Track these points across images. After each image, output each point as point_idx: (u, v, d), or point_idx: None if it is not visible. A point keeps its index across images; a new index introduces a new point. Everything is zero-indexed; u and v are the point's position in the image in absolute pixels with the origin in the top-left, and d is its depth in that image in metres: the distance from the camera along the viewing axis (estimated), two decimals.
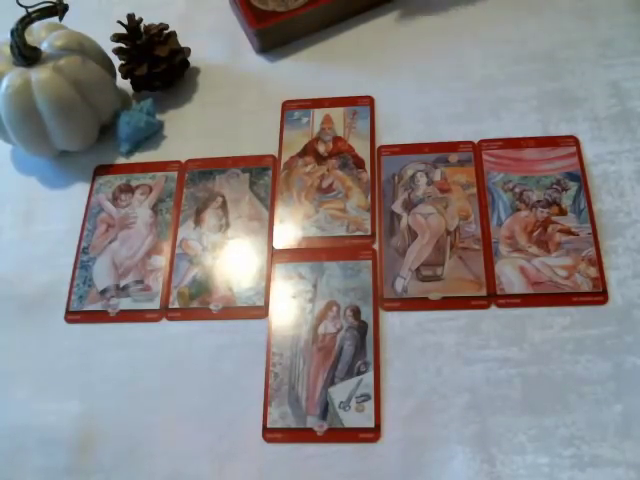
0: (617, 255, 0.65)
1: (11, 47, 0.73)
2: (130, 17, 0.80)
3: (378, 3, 0.86)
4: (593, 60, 0.77)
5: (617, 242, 0.66)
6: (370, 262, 0.69)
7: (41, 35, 0.76)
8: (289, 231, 0.72)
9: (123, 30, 0.80)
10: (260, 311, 0.68)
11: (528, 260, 0.66)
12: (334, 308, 0.67)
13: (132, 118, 0.79)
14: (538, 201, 0.69)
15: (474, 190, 0.71)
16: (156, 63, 0.80)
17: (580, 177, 0.70)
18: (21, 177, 0.83)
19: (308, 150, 0.77)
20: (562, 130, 0.73)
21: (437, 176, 0.73)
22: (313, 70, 0.84)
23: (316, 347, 0.65)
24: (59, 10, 0.72)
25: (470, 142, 0.74)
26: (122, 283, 0.72)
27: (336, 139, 0.77)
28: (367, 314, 0.66)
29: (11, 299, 0.74)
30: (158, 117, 0.82)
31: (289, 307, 0.68)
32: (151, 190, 0.78)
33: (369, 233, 0.71)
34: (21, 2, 0.71)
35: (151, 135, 0.82)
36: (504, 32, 0.81)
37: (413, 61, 0.82)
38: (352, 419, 0.61)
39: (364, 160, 0.75)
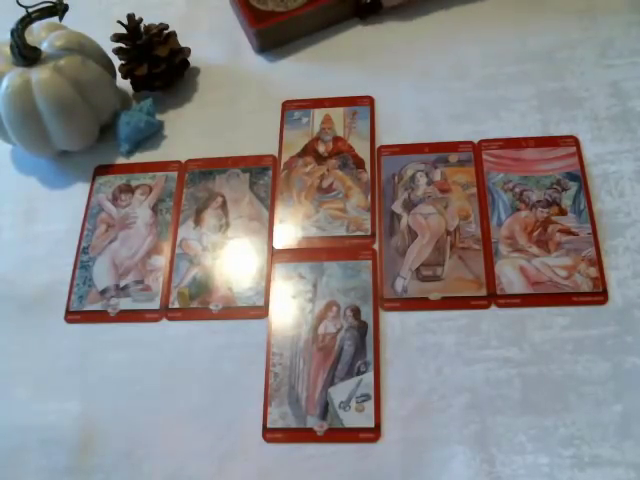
0: (617, 255, 0.65)
1: (11, 47, 0.73)
2: (130, 17, 0.80)
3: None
4: (593, 60, 0.77)
5: (617, 242, 0.66)
6: (370, 262, 0.69)
7: (41, 35, 0.76)
8: (289, 231, 0.72)
9: (123, 30, 0.80)
10: (260, 311, 0.68)
11: (528, 260, 0.66)
12: (334, 308, 0.67)
13: (132, 118, 0.79)
14: (538, 201, 0.69)
15: (474, 190, 0.71)
16: (156, 63, 0.80)
17: (580, 177, 0.70)
18: (21, 177, 0.83)
19: (308, 150, 0.77)
20: (562, 130, 0.73)
21: (437, 176, 0.73)
22: (313, 70, 0.84)
23: (316, 347, 0.65)
24: (59, 10, 0.72)
25: (470, 142, 0.74)
26: (122, 283, 0.72)
27: (336, 139, 0.77)
28: (367, 314, 0.66)
29: (11, 299, 0.74)
30: (158, 117, 0.82)
31: (289, 307, 0.68)
32: (151, 190, 0.78)
33: (369, 233, 0.71)
34: (21, 2, 0.71)
35: (151, 135, 0.82)
36: (504, 32, 0.81)
37: (413, 61, 0.82)
38: (352, 419, 0.61)
39: (364, 160, 0.75)
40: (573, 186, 0.69)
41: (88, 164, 0.81)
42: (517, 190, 0.70)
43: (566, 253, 0.66)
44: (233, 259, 0.72)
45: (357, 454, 0.60)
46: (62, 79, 0.73)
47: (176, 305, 0.70)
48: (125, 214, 0.77)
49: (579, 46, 0.79)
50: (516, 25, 0.82)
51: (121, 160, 0.81)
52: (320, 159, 0.76)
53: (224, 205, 0.75)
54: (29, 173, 0.83)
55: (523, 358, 0.62)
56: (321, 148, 0.77)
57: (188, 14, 0.91)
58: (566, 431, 0.58)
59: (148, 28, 0.81)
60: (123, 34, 0.80)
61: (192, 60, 0.86)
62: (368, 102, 0.79)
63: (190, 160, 0.79)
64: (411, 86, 0.80)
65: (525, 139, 0.73)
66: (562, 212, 0.68)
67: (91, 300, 0.72)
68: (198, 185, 0.77)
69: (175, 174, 0.79)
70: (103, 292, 0.72)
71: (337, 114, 0.79)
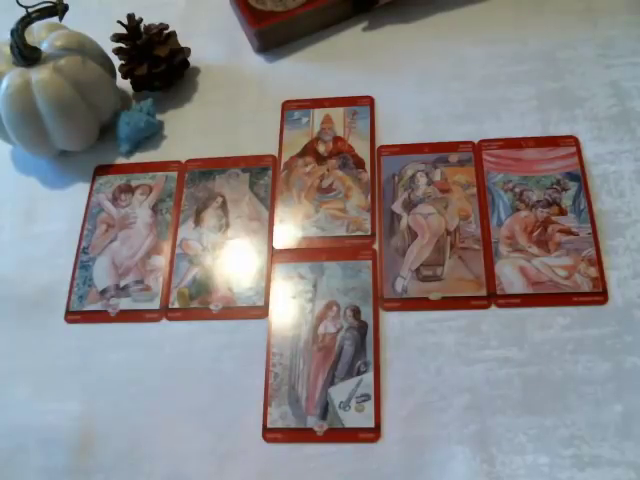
0: (617, 255, 0.65)
1: (11, 47, 0.73)
2: (130, 17, 0.80)
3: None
4: (593, 60, 0.77)
5: (617, 242, 0.66)
6: (370, 262, 0.69)
7: (41, 35, 0.76)
8: (289, 231, 0.72)
9: (123, 30, 0.80)
10: (260, 311, 0.68)
11: (528, 260, 0.66)
12: (334, 308, 0.67)
13: (132, 118, 0.79)
14: (538, 201, 0.69)
15: (474, 190, 0.71)
16: (156, 63, 0.80)
17: (580, 177, 0.70)
18: (21, 177, 0.83)
19: (308, 150, 0.77)
20: (562, 130, 0.73)
21: (437, 176, 0.73)
22: (313, 70, 0.84)
23: (316, 347, 0.65)
24: (59, 10, 0.72)
25: (470, 142, 0.74)
26: (122, 283, 0.72)
27: (336, 139, 0.77)
28: (367, 314, 0.66)
29: (11, 299, 0.74)
30: (158, 117, 0.82)
31: (289, 307, 0.68)
32: (151, 190, 0.78)
33: (369, 233, 0.71)
34: (21, 2, 0.71)
35: (151, 135, 0.82)
36: (504, 32, 0.81)
37: (413, 61, 0.82)
38: (352, 419, 0.61)
39: (364, 160, 0.75)
40: (573, 186, 0.69)
41: (88, 164, 0.81)
42: (517, 190, 0.70)
43: (566, 253, 0.66)
44: (233, 259, 0.72)
45: (357, 454, 0.60)
46: (62, 79, 0.73)
47: (176, 305, 0.70)
48: (125, 214, 0.77)
49: (579, 46, 0.79)
50: (516, 25, 0.82)
51: (121, 160, 0.81)
52: (320, 159, 0.76)
53: (224, 205, 0.75)
54: (29, 173, 0.83)
55: (523, 358, 0.62)
56: (321, 148, 0.77)
57: (188, 14, 0.92)
58: (566, 431, 0.58)
59: (148, 28, 0.81)
60: (123, 34, 0.80)
61: (192, 60, 0.86)
62: (368, 102, 0.79)
63: (190, 160, 0.79)
64: (411, 86, 0.80)
65: (525, 139, 0.73)
66: (562, 212, 0.68)
67: (91, 300, 0.72)
68: (198, 185, 0.77)
69: (175, 174, 0.79)
70: (103, 292, 0.72)
71: (337, 114, 0.79)
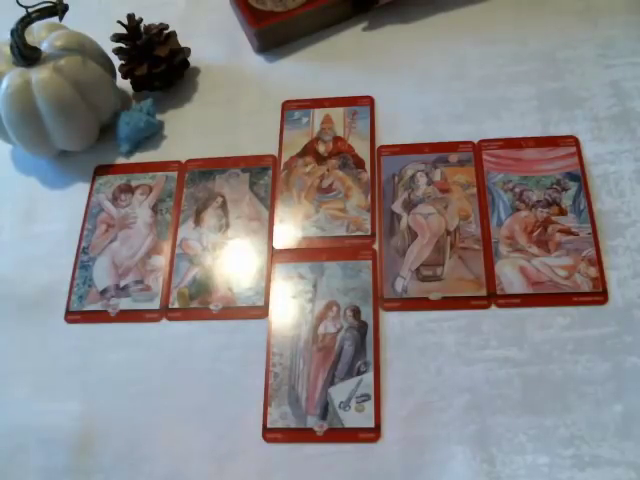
0: (617, 255, 0.65)
1: (11, 47, 0.73)
2: (130, 17, 0.80)
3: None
4: (593, 60, 0.77)
5: (617, 242, 0.66)
6: (370, 262, 0.69)
7: (41, 35, 0.76)
8: (289, 231, 0.72)
9: (123, 30, 0.80)
10: (260, 311, 0.68)
11: (528, 260, 0.66)
12: (334, 308, 0.67)
13: (132, 118, 0.79)
14: (538, 201, 0.69)
15: (474, 190, 0.71)
16: (156, 63, 0.80)
17: (580, 177, 0.70)
18: (21, 177, 0.83)
19: (308, 150, 0.77)
20: (562, 130, 0.73)
21: (437, 176, 0.73)
22: (313, 70, 0.84)
23: (316, 347, 0.65)
24: (59, 10, 0.72)
25: (470, 142, 0.74)
26: (122, 283, 0.72)
27: (336, 139, 0.78)
28: (367, 314, 0.66)
29: (11, 299, 0.74)
30: (158, 117, 0.82)
31: (289, 307, 0.68)
32: (151, 190, 0.78)
33: (369, 233, 0.71)
34: (21, 2, 0.71)
35: (151, 135, 0.82)
36: (504, 32, 0.82)
37: (413, 61, 0.82)
38: (352, 419, 0.61)
39: (364, 160, 0.75)
40: (573, 186, 0.69)
41: (88, 164, 0.81)
42: (517, 190, 0.70)
43: (566, 253, 0.66)
44: (233, 259, 0.72)
45: (357, 454, 0.60)
46: (62, 79, 0.73)
47: (176, 305, 0.70)
48: (125, 214, 0.77)
49: (579, 46, 0.79)
50: (516, 25, 0.82)
51: (121, 160, 0.81)
52: (320, 159, 0.76)
53: (224, 205, 0.75)
54: (29, 173, 0.83)
55: (523, 358, 0.62)
56: (321, 148, 0.77)
57: (188, 14, 0.92)
58: (566, 431, 0.58)
59: (148, 28, 0.81)
60: (123, 34, 0.80)
61: (192, 60, 0.86)
62: (368, 102, 0.79)
63: (190, 160, 0.79)
64: (411, 86, 0.80)
65: (525, 139, 0.73)
66: (562, 212, 0.68)
67: (91, 300, 0.72)
68: (198, 185, 0.77)
69: (175, 174, 0.79)
70: (103, 292, 0.72)
71: (337, 114, 0.79)
